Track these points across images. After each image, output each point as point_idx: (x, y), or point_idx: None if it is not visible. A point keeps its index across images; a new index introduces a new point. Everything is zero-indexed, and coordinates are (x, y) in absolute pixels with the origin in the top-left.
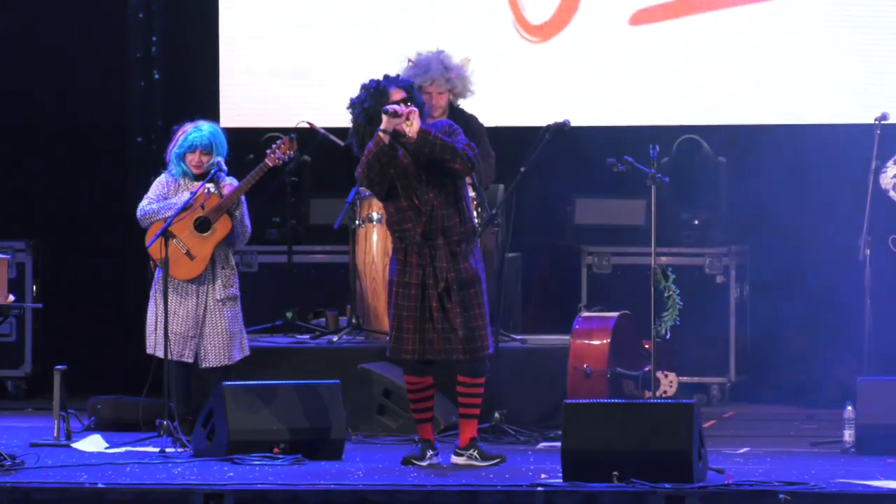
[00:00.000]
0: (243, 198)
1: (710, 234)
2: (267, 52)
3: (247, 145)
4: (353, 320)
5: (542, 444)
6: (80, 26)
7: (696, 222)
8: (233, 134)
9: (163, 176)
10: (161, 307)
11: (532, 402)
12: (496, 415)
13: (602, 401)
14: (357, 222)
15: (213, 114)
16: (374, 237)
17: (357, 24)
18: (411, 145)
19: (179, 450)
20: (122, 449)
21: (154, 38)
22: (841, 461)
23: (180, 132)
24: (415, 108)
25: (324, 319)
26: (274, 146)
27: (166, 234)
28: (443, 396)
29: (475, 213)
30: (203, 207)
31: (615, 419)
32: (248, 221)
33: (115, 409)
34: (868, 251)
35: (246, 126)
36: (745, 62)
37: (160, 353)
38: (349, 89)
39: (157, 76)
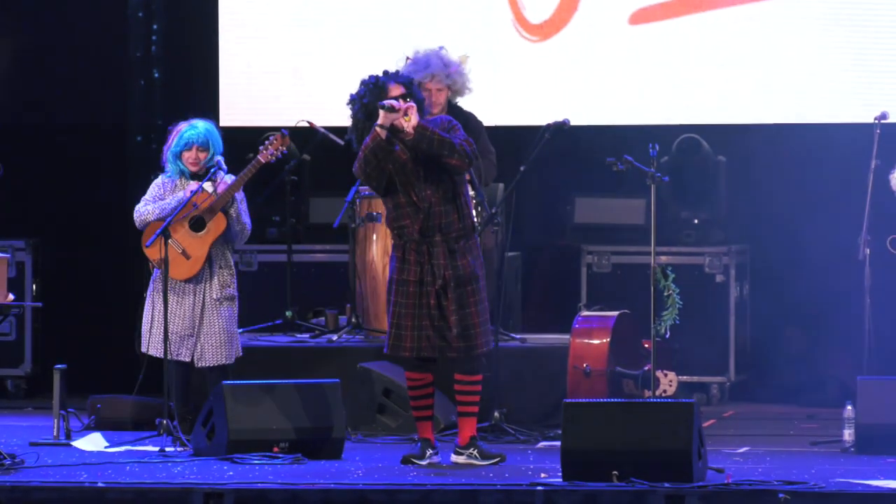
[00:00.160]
0: (240, 195)
1: (710, 234)
2: (266, 52)
3: (246, 144)
4: (353, 319)
5: (542, 444)
6: (79, 26)
7: (696, 221)
8: (232, 133)
9: (160, 178)
10: (159, 307)
11: (532, 401)
12: (496, 414)
13: (602, 400)
14: (357, 221)
15: (212, 113)
16: (374, 236)
17: (356, 23)
18: (409, 140)
19: (179, 449)
20: (122, 448)
21: (154, 38)
22: (841, 461)
23: (175, 131)
24: (413, 104)
25: (323, 318)
26: (266, 142)
27: (166, 234)
28: (443, 396)
29: (475, 212)
30: (196, 206)
31: (615, 418)
32: (246, 218)
33: (115, 408)
34: (867, 250)
35: (245, 125)
36: (744, 61)
37: (154, 352)
38: (349, 88)
39: (156, 75)
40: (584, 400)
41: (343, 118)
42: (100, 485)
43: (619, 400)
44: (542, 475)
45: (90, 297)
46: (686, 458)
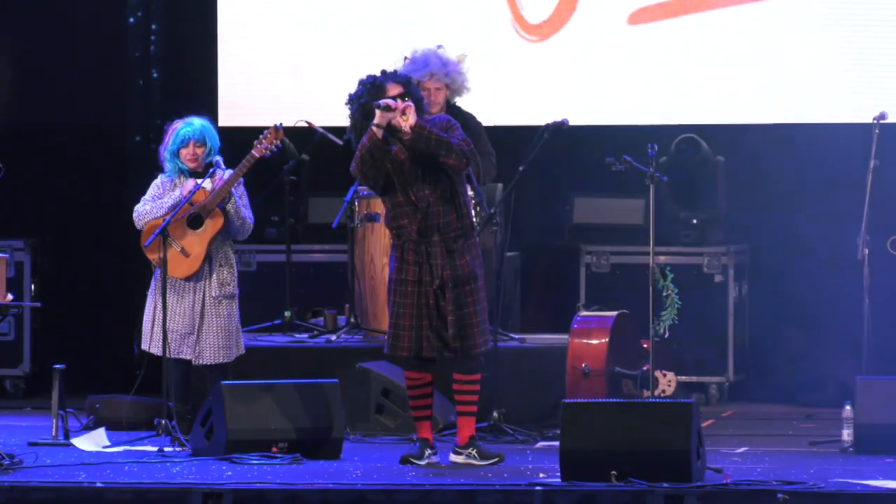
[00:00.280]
0: (240, 190)
1: (709, 234)
2: (265, 52)
3: (245, 144)
4: (352, 319)
5: (541, 444)
6: (79, 26)
7: (695, 221)
8: (231, 133)
9: (159, 177)
10: (159, 305)
11: (530, 401)
12: (494, 414)
13: (600, 400)
14: (356, 221)
15: (211, 113)
16: (373, 236)
17: (356, 23)
18: (407, 140)
19: (178, 449)
20: (121, 448)
21: (153, 38)
22: (839, 460)
23: (170, 130)
24: (411, 103)
25: (322, 318)
26: (260, 136)
27: (165, 234)
28: (441, 396)
29: (473, 212)
30: (192, 204)
31: (614, 418)
32: (246, 213)
33: (114, 408)
34: (866, 250)
35: (244, 125)
36: (743, 61)
37: (155, 351)
38: (348, 88)
39: (155, 75)
40: (582, 400)
41: (342, 118)
42: (98, 485)
43: (618, 400)
44: (541, 475)
45: (89, 297)
46: (685, 458)
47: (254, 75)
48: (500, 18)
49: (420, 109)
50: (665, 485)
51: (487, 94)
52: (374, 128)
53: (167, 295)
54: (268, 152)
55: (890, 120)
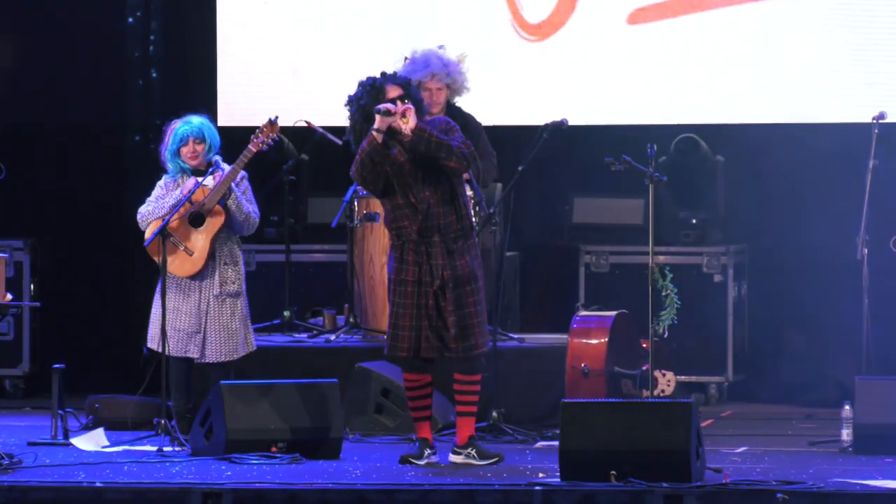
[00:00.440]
0: (243, 185)
1: (708, 233)
2: (265, 52)
3: (244, 144)
4: (351, 319)
5: (540, 444)
6: (78, 26)
7: (694, 221)
8: (231, 133)
9: (162, 178)
10: (166, 305)
11: (530, 401)
12: (494, 414)
13: (600, 400)
14: (355, 221)
15: (210, 113)
16: (372, 236)
17: (355, 23)
18: (407, 142)
19: (177, 449)
20: (120, 448)
21: (152, 38)
22: (839, 460)
23: (169, 130)
24: (411, 106)
25: (321, 318)
26: (257, 130)
27: (164, 233)
28: (441, 396)
29: (473, 212)
30: (192, 202)
31: (613, 418)
32: (250, 208)
33: (113, 408)
34: (866, 250)
35: (244, 125)
36: (743, 61)
37: (157, 348)
38: (347, 88)
39: (155, 75)
40: (582, 400)
41: (342, 118)
42: (98, 485)
43: (618, 400)
44: (541, 475)
45: (89, 298)
46: (684, 458)
47: (254, 75)
48: (499, 18)
49: (420, 112)
50: (664, 485)
51: (487, 94)
52: (374, 132)
53: (174, 294)
54: (264, 146)
55: (889, 120)
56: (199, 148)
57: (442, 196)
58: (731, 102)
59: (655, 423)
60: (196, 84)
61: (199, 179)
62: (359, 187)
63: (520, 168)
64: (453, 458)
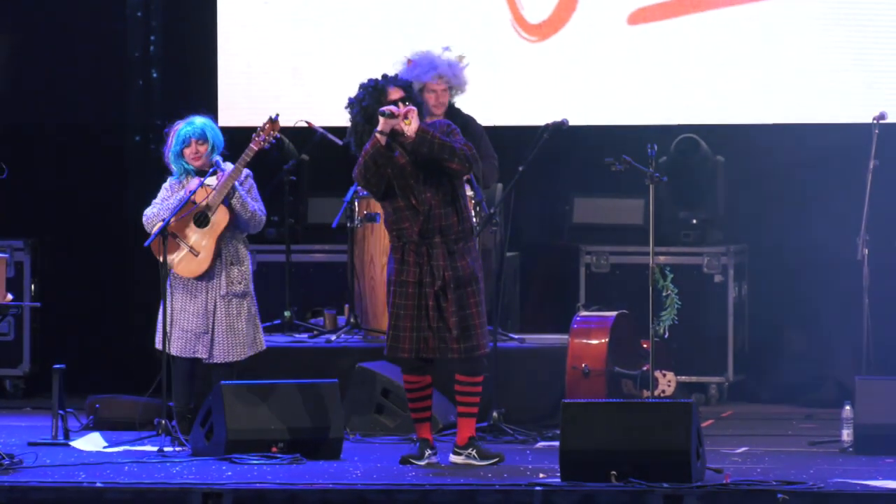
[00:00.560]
0: (248, 183)
1: (709, 234)
2: (265, 52)
3: (245, 144)
4: (352, 319)
5: (541, 444)
6: (78, 25)
7: (695, 221)
8: (231, 133)
9: (167, 180)
10: (174, 305)
11: (530, 401)
12: (494, 414)
13: (600, 400)
14: (355, 221)
15: (211, 113)
16: (373, 236)
17: (356, 23)
18: (409, 144)
19: (178, 449)
20: (121, 448)
21: (153, 38)
22: (839, 461)
23: (172, 132)
24: (413, 108)
25: (322, 319)
26: (258, 129)
27: (165, 233)
28: (441, 396)
29: (474, 213)
30: (195, 202)
31: (613, 419)
32: (255, 206)
33: (114, 408)
34: (866, 251)
35: (244, 125)
36: (743, 62)
37: (172, 350)
38: (347, 89)
39: (155, 75)
40: (582, 400)
41: (342, 118)
42: (98, 485)
43: (618, 400)
44: (541, 475)
45: (88, 297)
46: (684, 459)
47: (254, 75)
48: (500, 18)
49: (421, 114)
50: (665, 485)
51: (487, 95)
52: (377, 134)
53: (180, 295)
54: (266, 144)
55: (889, 120)
56: (201, 149)
57: (443, 198)
58: (731, 102)
59: (656, 424)
60: (196, 84)
61: (202, 179)
62: (359, 188)
63: (520, 168)
64: (454, 458)
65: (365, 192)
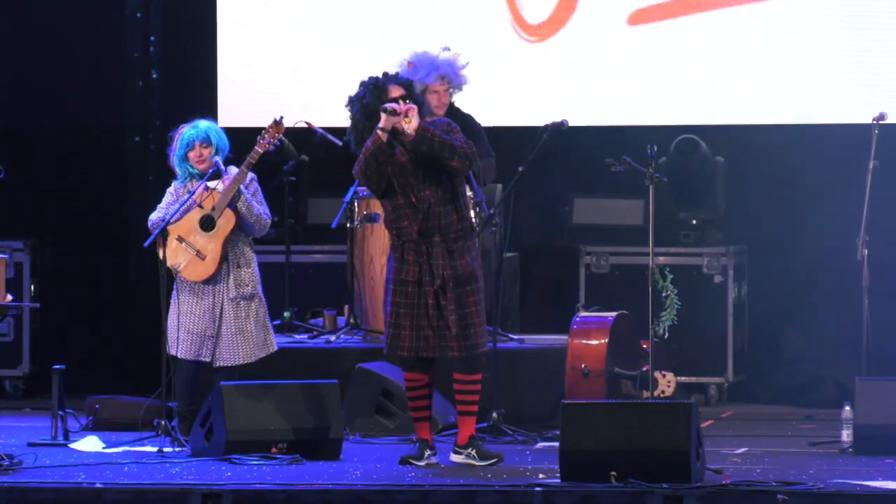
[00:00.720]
0: (253, 186)
1: (708, 234)
2: (265, 52)
3: (245, 144)
4: (351, 320)
5: (540, 444)
6: (78, 26)
7: (694, 222)
8: (231, 134)
9: (172, 184)
10: (181, 308)
11: (530, 401)
12: (494, 414)
13: (600, 401)
14: (355, 222)
15: (210, 114)
16: (372, 237)
17: (355, 23)
18: (410, 142)
19: (177, 449)
20: (120, 449)
21: (152, 38)
22: (839, 461)
23: (177, 135)
24: (413, 105)
25: (322, 319)
26: (263, 131)
27: (164, 234)
28: (441, 397)
29: (473, 213)
30: (201, 206)
31: (613, 419)
32: (260, 209)
33: (113, 408)
34: (866, 251)
35: (244, 126)
36: (743, 62)
37: (180, 354)
38: (347, 89)
39: (154, 76)
40: (582, 401)
41: (342, 119)
42: (98, 485)
43: (618, 401)
44: (541, 476)
45: (88, 298)
46: (684, 459)
47: (254, 75)
48: (499, 19)
49: (421, 112)
50: (664, 485)
51: (487, 95)
52: (378, 131)
53: (187, 297)
54: (271, 146)
55: (889, 121)
56: (205, 152)
57: (443, 196)
58: (731, 103)
59: (655, 424)
60: (196, 84)
61: (204, 180)
62: (359, 188)
63: (520, 169)
64: (454, 457)
65: (364, 193)
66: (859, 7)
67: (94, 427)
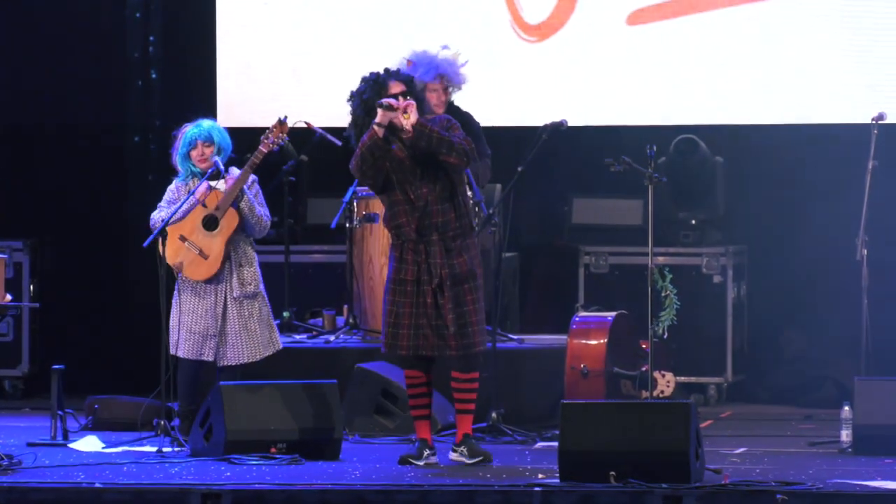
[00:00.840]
0: (254, 188)
1: (708, 234)
2: (264, 52)
3: (244, 144)
4: (350, 320)
5: (540, 444)
6: (78, 26)
7: (694, 222)
8: (230, 134)
9: (173, 182)
10: (182, 308)
11: (529, 401)
12: (493, 414)
13: (599, 401)
14: (354, 222)
15: (210, 114)
16: (372, 237)
17: (355, 23)
18: (408, 138)
19: (177, 449)
20: (120, 449)
21: (152, 38)
22: (838, 461)
23: (180, 134)
24: (412, 102)
25: (321, 319)
26: (267, 131)
27: (164, 234)
28: (441, 397)
29: (473, 213)
30: (205, 205)
31: (612, 419)
32: (261, 210)
33: (113, 408)
34: (865, 251)
35: (244, 126)
36: (742, 62)
37: (182, 353)
38: (347, 89)
39: (154, 76)
40: (581, 401)
41: (341, 119)
42: (97, 485)
43: (617, 401)
44: (540, 476)
45: (88, 297)
46: (684, 459)
47: (254, 75)
48: (499, 19)
49: (421, 109)
50: (664, 485)
51: (487, 95)
52: (375, 126)
53: (188, 297)
54: (275, 146)
55: (889, 121)
56: (207, 151)
57: (440, 193)
58: (731, 103)
59: (655, 424)
60: (195, 84)
61: (205, 179)
62: (358, 188)
63: (519, 169)
64: (451, 455)
65: (364, 193)
66: (859, 7)
67: (94, 427)
